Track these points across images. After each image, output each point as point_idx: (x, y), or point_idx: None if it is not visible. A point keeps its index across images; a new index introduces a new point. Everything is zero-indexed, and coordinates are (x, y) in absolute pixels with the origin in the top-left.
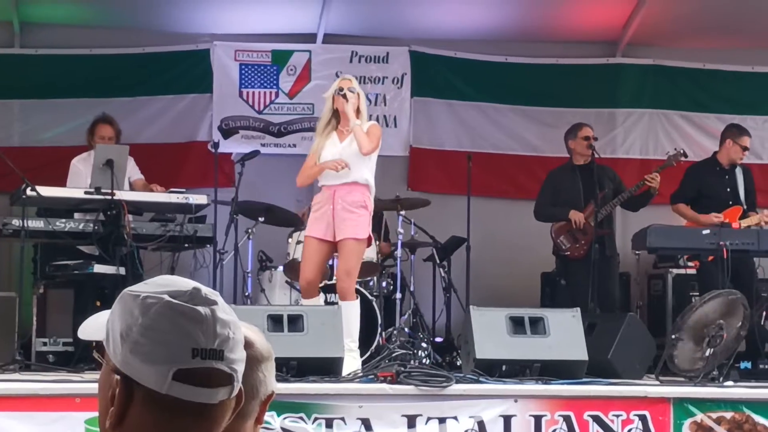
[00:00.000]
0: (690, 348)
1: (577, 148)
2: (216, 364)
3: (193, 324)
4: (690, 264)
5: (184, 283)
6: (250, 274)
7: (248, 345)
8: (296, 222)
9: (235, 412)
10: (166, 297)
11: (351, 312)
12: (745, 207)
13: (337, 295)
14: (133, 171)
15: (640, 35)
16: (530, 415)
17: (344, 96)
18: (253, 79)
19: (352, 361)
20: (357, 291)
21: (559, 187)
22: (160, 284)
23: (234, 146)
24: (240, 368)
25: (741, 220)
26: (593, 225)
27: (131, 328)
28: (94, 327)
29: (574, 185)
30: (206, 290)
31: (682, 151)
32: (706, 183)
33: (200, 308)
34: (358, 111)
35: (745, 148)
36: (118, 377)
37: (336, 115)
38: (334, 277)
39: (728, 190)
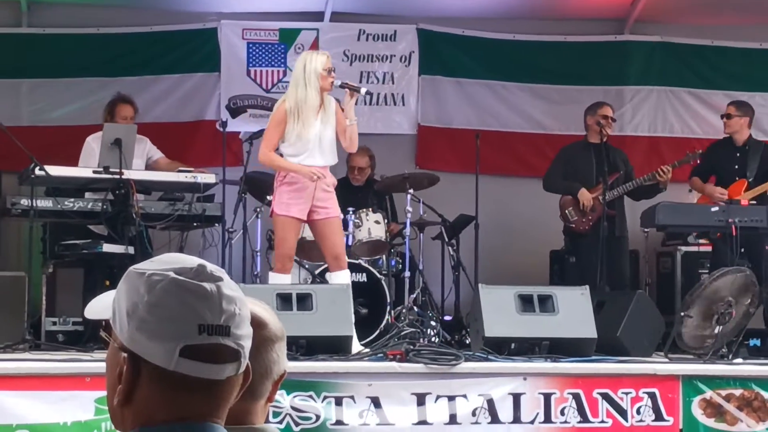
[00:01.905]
0: (699, 325)
1: (593, 125)
2: (223, 340)
3: (199, 300)
4: (701, 241)
5: (190, 260)
6: (258, 253)
7: (262, 325)
8: None
9: (242, 388)
10: (172, 274)
11: (347, 278)
12: (750, 180)
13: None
14: (152, 151)
15: (648, 12)
16: (539, 393)
17: (351, 88)
18: (260, 58)
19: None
20: (365, 270)
21: (572, 161)
22: (166, 261)
23: (242, 125)
24: (246, 344)
25: (748, 191)
26: (602, 203)
27: (137, 305)
28: (101, 306)
29: (588, 162)
30: (211, 267)
31: (700, 151)
32: (718, 158)
33: (206, 284)
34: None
35: (728, 115)
36: (125, 355)
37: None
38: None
39: (736, 166)
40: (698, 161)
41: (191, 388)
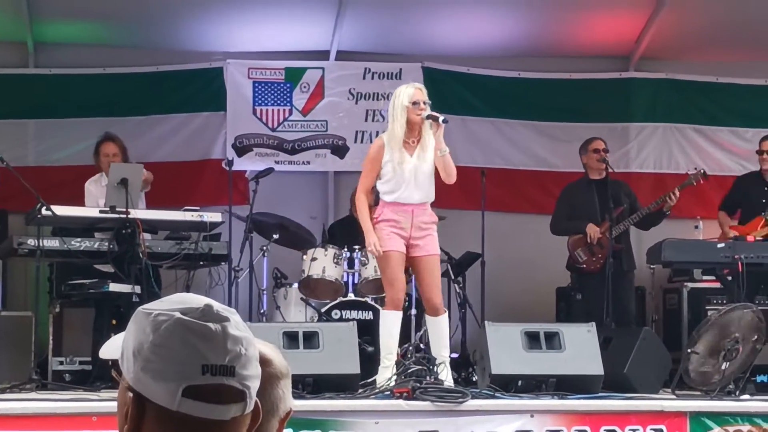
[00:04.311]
0: (706, 362)
1: (590, 162)
2: (227, 380)
3: (203, 340)
4: (705, 278)
5: (197, 300)
6: (265, 292)
7: (267, 362)
8: (310, 242)
9: (252, 429)
10: (177, 314)
11: (445, 324)
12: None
13: (350, 312)
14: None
15: (653, 49)
16: (547, 430)
17: (433, 118)
18: (266, 97)
19: (449, 373)
20: (372, 308)
21: (575, 201)
22: (174, 301)
23: (248, 164)
24: (253, 385)
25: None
26: (609, 239)
27: (143, 345)
28: (114, 346)
29: (590, 200)
30: (219, 307)
31: (702, 171)
32: (747, 193)
33: (211, 325)
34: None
35: (761, 152)
36: (131, 395)
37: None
38: (350, 294)
39: (763, 200)
40: (701, 181)
41: (196, 429)
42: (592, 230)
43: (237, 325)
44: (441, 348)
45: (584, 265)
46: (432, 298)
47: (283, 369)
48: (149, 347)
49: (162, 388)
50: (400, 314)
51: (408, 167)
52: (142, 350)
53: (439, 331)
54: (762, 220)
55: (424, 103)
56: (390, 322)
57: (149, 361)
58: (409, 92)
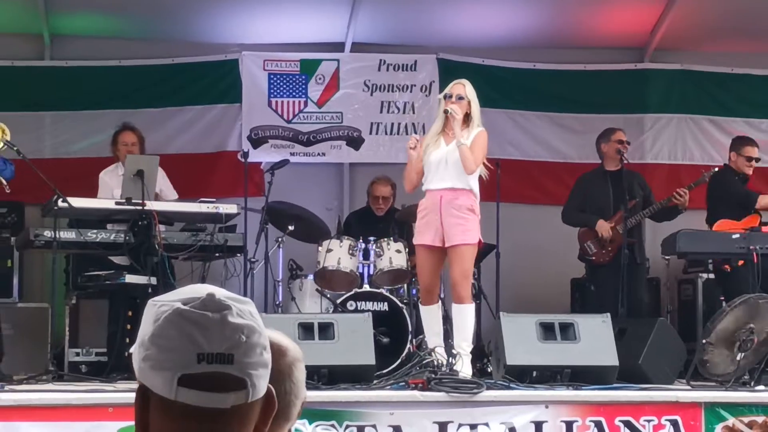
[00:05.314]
0: (721, 352)
1: (609, 152)
2: (224, 368)
3: (199, 329)
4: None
5: (202, 290)
6: (280, 283)
7: (282, 353)
8: (325, 233)
9: (267, 417)
10: (178, 304)
11: (468, 315)
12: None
13: (365, 303)
14: (164, 184)
15: (668, 40)
16: (561, 421)
17: (449, 113)
18: (281, 89)
19: (467, 366)
20: (386, 299)
21: (589, 191)
22: (181, 292)
23: (263, 155)
24: (256, 372)
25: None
26: (622, 232)
27: (145, 336)
28: None
29: (605, 191)
30: (222, 296)
31: (717, 169)
32: (731, 190)
33: (209, 313)
34: (467, 116)
35: (750, 158)
36: (137, 386)
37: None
38: (365, 285)
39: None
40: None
41: (198, 418)
42: (603, 229)
43: (240, 313)
44: (461, 340)
45: (593, 258)
46: (454, 285)
47: (297, 354)
48: (149, 337)
49: (159, 377)
50: (431, 307)
51: (437, 155)
52: (144, 341)
53: (461, 320)
54: (757, 218)
55: (459, 97)
56: (424, 317)
57: (149, 351)
58: (450, 86)
